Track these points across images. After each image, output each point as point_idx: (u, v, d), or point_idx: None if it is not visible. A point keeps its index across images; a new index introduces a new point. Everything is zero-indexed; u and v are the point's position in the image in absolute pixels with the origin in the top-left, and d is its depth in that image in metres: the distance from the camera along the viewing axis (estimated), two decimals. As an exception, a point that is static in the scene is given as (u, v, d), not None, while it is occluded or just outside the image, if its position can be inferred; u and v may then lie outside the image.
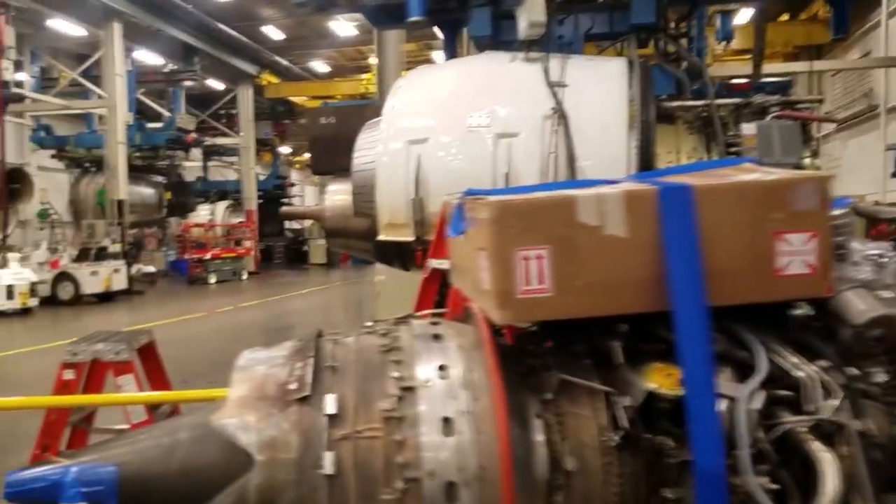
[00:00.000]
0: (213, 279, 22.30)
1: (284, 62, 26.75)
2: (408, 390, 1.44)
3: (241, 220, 27.25)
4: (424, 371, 1.48)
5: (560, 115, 3.93)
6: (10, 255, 15.06)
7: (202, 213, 28.25)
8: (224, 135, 28.82)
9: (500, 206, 1.54)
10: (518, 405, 1.47)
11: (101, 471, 1.39)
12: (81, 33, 21.29)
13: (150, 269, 21.68)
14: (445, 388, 1.44)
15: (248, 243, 25.60)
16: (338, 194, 5.49)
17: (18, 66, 17.86)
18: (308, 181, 47.99)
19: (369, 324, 1.76)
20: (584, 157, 3.89)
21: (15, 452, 4.52)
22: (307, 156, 43.43)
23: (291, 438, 1.38)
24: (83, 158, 22.76)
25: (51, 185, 23.34)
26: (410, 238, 4.32)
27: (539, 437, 1.45)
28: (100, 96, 20.68)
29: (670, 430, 1.46)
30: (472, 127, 4.06)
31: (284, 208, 6.56)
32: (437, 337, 1.58)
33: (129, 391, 3.10)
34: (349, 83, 27.52)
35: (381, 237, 4.44)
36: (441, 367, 1.48)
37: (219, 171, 32.22)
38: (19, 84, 18.16)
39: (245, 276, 24.07)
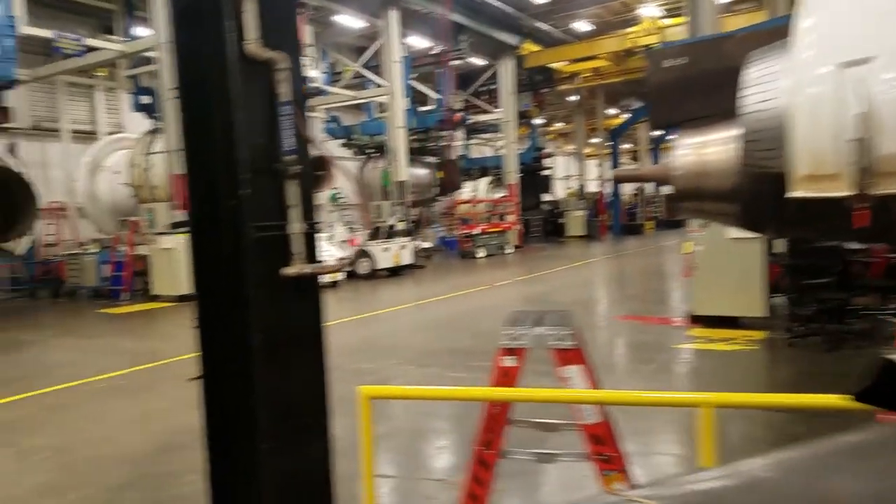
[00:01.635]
0: (481, 253, 22.87)
1: (545, 27, 26.28)
2: None
3: (502, 194, 27.59)
4: None
5: None
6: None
7: (465, 190, 29.28)
8: (484, 111, 29.35)
9: None
10: None
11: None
12: (360, 25, 22.99)
13: (427, 244, 22.96)
14: None
15: (511, 217, 25.78)
16: (689, 149, 4.60)
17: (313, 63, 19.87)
18: (560, 151, 47.52)
19: None
20: None
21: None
22: (559, 125, 43.01)
23: None
24: (367, 145, 24.75)
25: (339, 171, 25.91)
26: (846, 192, 3.24)
27: None
28: (378, 85, 22.21)
29: None
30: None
31: (618, 171, 5.88)
32: None
33: (576, 385, 2.63)
34: (614, 40, 26.12)
35: (797, 193, 3.43)
36: None
37: (477, 148, 33.10)
38: (313, 80, 20.21)
39: (509, 250, 24.35)
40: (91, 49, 15.05)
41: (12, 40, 11.76)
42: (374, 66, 22.53)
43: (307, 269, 2.81)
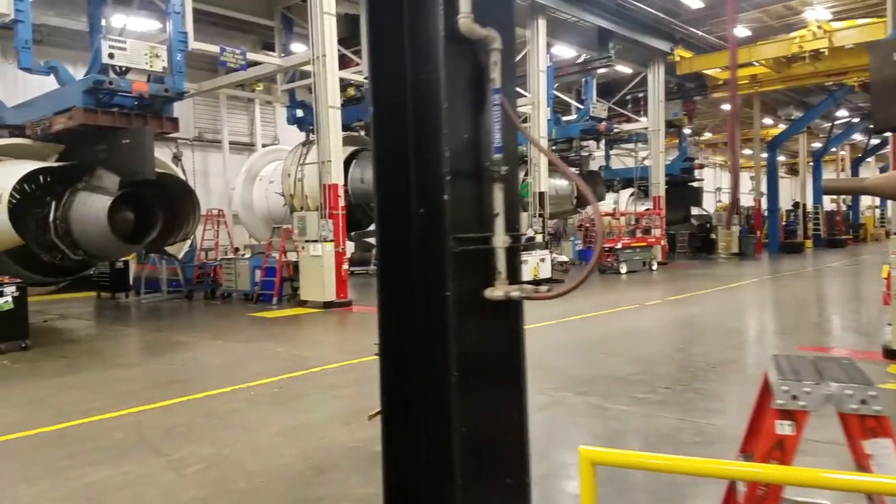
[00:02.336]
0: (623, 269, 21.68)
1: (699, 33, 24.71)
2: None
3: (646, 207, 26.15)
4: None
5: None
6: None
7: (606, 202, 28.12)
8: (628, 120, 28.08)
9: None
10: None
11: None
12: (505, 36, 22.69)
13: (564, 258, 22.14)
14: None
15: (656, 231, 24.31)
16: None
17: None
18: (710, 162, 44.60)
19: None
20: None
21: None
22: (709, 136, 40.34)
23: None
24: (505, 155, 24.44)
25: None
26: None
27: None
28: (520, 95, 21.81)
29: None
30: None
31: (828, 182, 4.95)
32: None
33: (886, 467, 1.96)
34: (775, 45, 24.08)
35: None
36: None
37: (618, 159, 31.74)
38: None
39: (654, 267, 22.92)
40: (252, 64, 15.80)
41: (182, 55, 12.47)
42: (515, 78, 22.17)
43: (513, 292, 2.31)
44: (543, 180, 19.54)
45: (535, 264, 16.97)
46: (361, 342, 10.05)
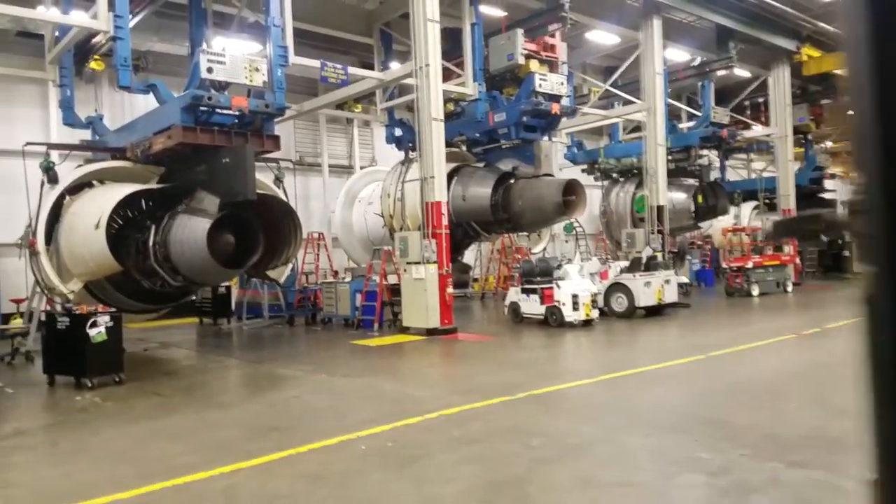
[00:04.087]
0: (755, 291, 19.40)
1: (830, 29, 22.19)
2: None
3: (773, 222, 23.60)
4: None
5: None
6: (569, 267, 15.03)
7: (727, 216, 25.71)
8: (745, 127, 25.68)
9: None
10: None
11: None
12: (613, 42, 21.20)
13: (684, 279, 20.07)
14: None
15: (789, 249, 21.77)
16: None
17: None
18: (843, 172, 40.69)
19: None
20: None
21: None
22: (841, 143, 36.71)
23: None
24: (612, 169, 22.74)
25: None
26: None
27: None
28: (626, 102, 20.20)
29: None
30: None
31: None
32: None
33: None
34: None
35: None
36: None
37: (733, 170, 29.20)
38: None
39: (790, 288, 20.44)
40: (353, 81, 15.14)
41: (283, 71, 11.82)
42: (622, 85, 20.60)
43: None
44: (662, 192, 17.75)
45: (659, 286, 15.18)
46: (476, 379, 8.78)
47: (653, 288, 15.11)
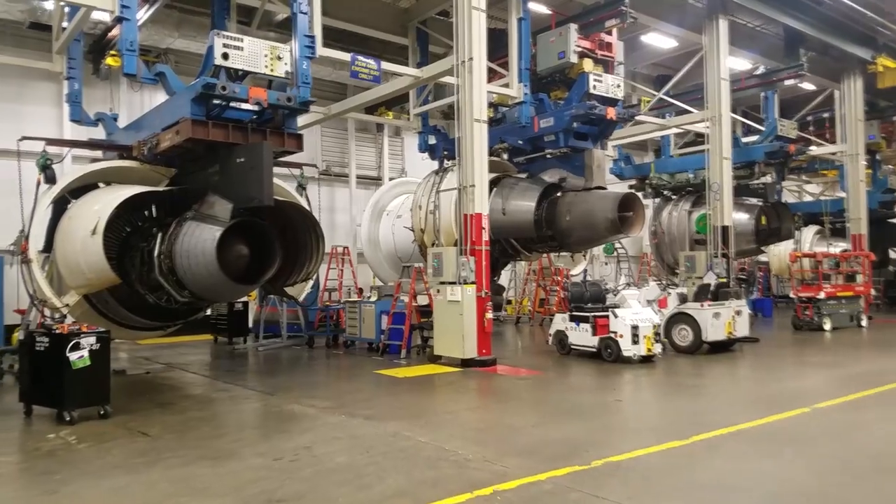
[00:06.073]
0: (827, 325, 17.36)
1: (911, 37, 20.29)
2: None
3: (842, 248, 21.45)
4: None
5: None
6: (626, 293, 13.27)
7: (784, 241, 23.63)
8: (808, 143, 23.66)
9: None
10: None
11: None
12: (670, 46, 19.55)
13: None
14: None
15: (862, 279, 19.65)
16: None
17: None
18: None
19: None
20: None
21: None
22: None
23: None
24: (665, 185, 20.93)
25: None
26: None
27: None
28: (679, 113, 18.47)
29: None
30: None
31: None
32: None
33: None
34: None
35: None
36: None
37: (789, 190, 27.15)
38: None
39: (864, 322, 18.34)
40: (385, 81, 13.72)
41: (309, 63, 10.37)
42: (674, 95, 18.91)
43: None
44: (728, 211, 15.92)
45: (730, 318, 13.31)
46: (530, 432, 7.03)
47: (723, 320, 13.24)
